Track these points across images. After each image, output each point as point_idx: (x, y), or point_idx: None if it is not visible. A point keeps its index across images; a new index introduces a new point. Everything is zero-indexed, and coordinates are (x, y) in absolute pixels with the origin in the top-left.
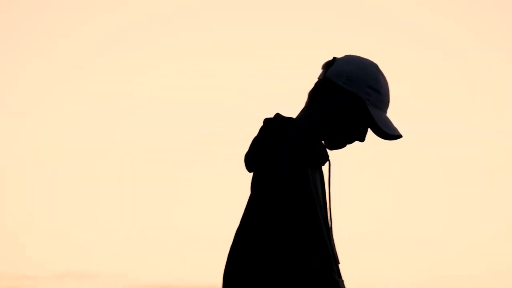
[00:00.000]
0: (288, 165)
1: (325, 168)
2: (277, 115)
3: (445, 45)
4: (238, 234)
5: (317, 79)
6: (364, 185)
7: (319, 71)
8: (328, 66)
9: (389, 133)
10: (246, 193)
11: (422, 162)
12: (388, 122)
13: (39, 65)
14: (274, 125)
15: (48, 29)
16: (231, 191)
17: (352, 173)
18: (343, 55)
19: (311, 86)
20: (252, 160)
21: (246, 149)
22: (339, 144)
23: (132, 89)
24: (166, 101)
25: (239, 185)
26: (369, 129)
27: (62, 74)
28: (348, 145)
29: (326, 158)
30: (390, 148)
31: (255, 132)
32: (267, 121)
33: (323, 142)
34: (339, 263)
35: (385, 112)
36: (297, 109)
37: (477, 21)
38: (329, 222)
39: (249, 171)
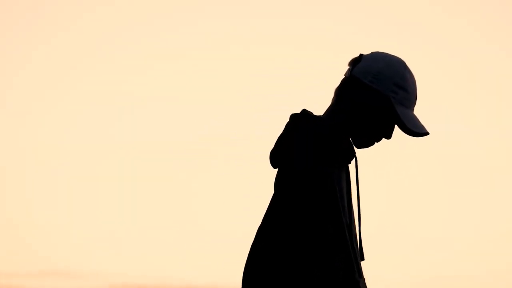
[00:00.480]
0: (304, 161)
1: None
2: (303, 111)
3: (445, 45)
4: (260, 232)
5: (343, 76)
6: (363, 185)
7: (319, 71)
8: (355, 63)
9: (415, 131)
10: (246, 192)
11: (422, 162)
12: (415, 120)
13: (39, 65)
14: (295, 121)
15: (47, 29)
16: (231, 191)
17: (351, 173)
18: (369, 52)
19: (311, 86)
20: (276, 156)
21: (247, 149)
22: (366, 142)
23: (132, 89)
24: (166, 101)
25: (239, 185)
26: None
27: (62, 74)
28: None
29: (352, 156)
30: (390, 148)
31: (255, 132)
32: (292, 117)
33: (350, 140)
34: (363, 259)
35: (412, 110)
36: (297, 109)
37: (478, 21)
38: (359, 220)
39: (274, 167)
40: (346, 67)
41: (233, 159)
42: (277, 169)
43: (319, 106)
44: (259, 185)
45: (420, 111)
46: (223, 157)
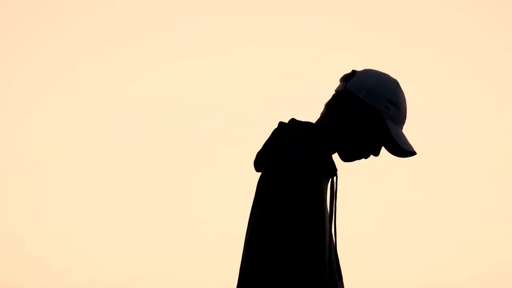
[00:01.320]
0: (298, 167)
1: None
2: (292, 120)
3: (446, 46)
4: (251, 238)
5: (334, 91)
6: (363, 185)
7: (318, 71)
8: (347, 78)
9: (404, 148)
10: (246, 192)
11: (422, 162)
12: (403, 138)
13: (39, 65)
14: (287, 128)
15: (48, 29)
16: (231, 191)
17: (351, 173)
18: (362, 69)
19: (311, 86)
20: (261, 160)
21: (246, 149)
22: (353, 155)
23: (132, 89)
24: (166, 101)
25: (239, 185)
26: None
27: (62, 74)
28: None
29: (335, 170)
30: None
31: (255, 132)
32: (280, 124)
33: (335, 153)
34: (340, 279)
35: (401, 128)
36: (297, 109)
37: (478, 22)
38: (334, 236)
39: (257, 171)
40: (345, 68)
41: (233, 159)
42: (259, 174)
43: (319, 105)
44: None
45: (420, 111)
46: (223, 157)
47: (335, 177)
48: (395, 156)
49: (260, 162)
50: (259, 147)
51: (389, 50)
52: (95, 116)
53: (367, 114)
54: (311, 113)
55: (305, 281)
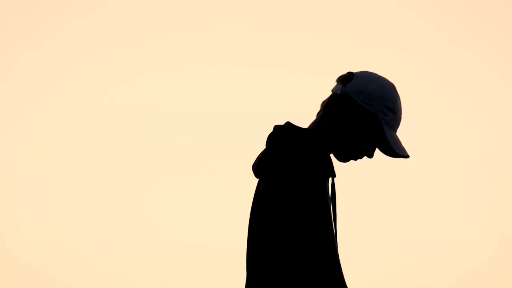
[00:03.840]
0: (290, 172)
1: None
2: (288, 124)
3: (446, 47)
4: (253, 247)
5: (331, 92)
6: (361, 185)
7: (317, 72)
8: (345, 80)
9: (399, 153)
10: (246, 193)
11: (421, 162)
12: (398, 142)
13: (37, 63)
14: (283, 133)
15: (45, 26)
16: (231, 193)
17: (349, 174)
18: (359, 71)
19: (311, 86)
20: (260, 166)
21: (246, 150)
22: (347, 157)
23: (131, 90)
24: (165, 102)
25: (238, 187)
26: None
27: (61, 74)
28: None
29: (333, 170)
30: None
31: (254, 133)
32: (275, 128)
33: (331, 155)
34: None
35: (396, 131)
36: (297, 110)
37: (477, 24)
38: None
39: (257, 176)
40: (345, 68)
41: (232, 159)
42: (257, 181)
43: (318, 107)
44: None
45: (419, 111)
46: (222, 158)
47: (333, 179)
48: (387, 156)
49: (260, 168)
50: (258, 147)
51: (389, 52)
52: (94, 117)
53: (364, 119)
54: (311, 114)
55: (318, 282)
